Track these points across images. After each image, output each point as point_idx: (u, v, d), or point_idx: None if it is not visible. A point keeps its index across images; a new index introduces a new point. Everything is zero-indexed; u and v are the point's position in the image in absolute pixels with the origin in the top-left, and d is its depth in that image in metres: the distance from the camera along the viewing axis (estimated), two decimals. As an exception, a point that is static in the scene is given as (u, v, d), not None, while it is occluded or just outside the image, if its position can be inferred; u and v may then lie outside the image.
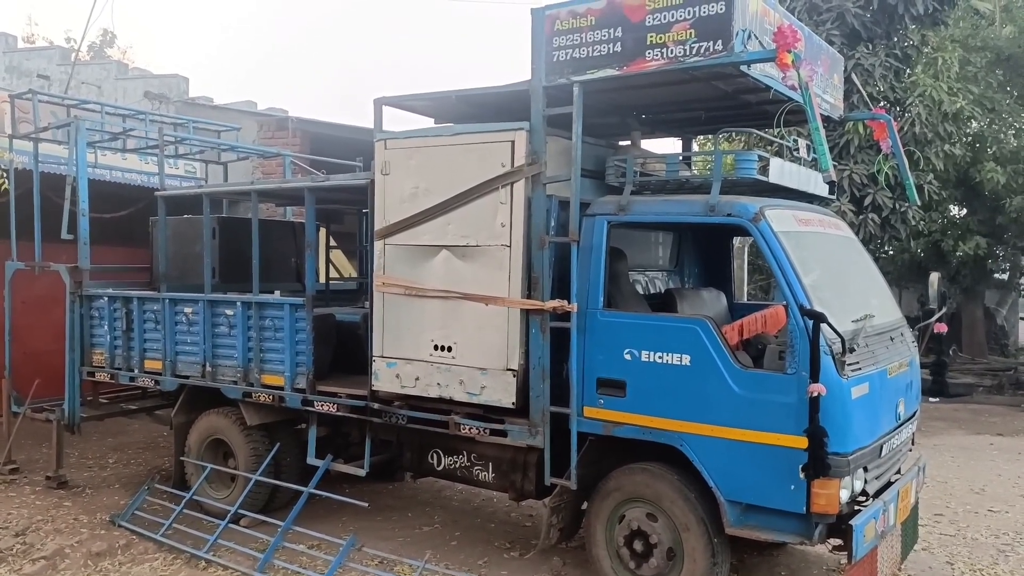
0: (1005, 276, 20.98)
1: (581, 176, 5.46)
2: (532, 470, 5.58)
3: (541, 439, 5.24)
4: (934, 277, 6.24)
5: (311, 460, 6.40)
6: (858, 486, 4.66)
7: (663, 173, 5.35)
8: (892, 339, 5.29)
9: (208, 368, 6.88)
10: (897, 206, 13.21)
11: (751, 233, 4.73)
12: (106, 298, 7.60)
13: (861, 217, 13.10)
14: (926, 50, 13.27)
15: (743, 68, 4.71)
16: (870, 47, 12.86)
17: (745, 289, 13.47)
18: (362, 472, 6.18)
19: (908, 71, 13.24)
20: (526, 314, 5.25)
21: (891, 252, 17.38)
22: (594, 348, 5.09)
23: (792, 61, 4.42)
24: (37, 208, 7.92)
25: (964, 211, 17.94)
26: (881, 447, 4.84)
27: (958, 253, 16.29)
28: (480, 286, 5.40)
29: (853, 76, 6.81)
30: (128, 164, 9.39)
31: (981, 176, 15.38)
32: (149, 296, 7.32)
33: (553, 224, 5.28)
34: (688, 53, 4.72)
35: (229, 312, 6.73)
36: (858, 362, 4.60)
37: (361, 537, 6.23)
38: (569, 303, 5.08)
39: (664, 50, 4.79)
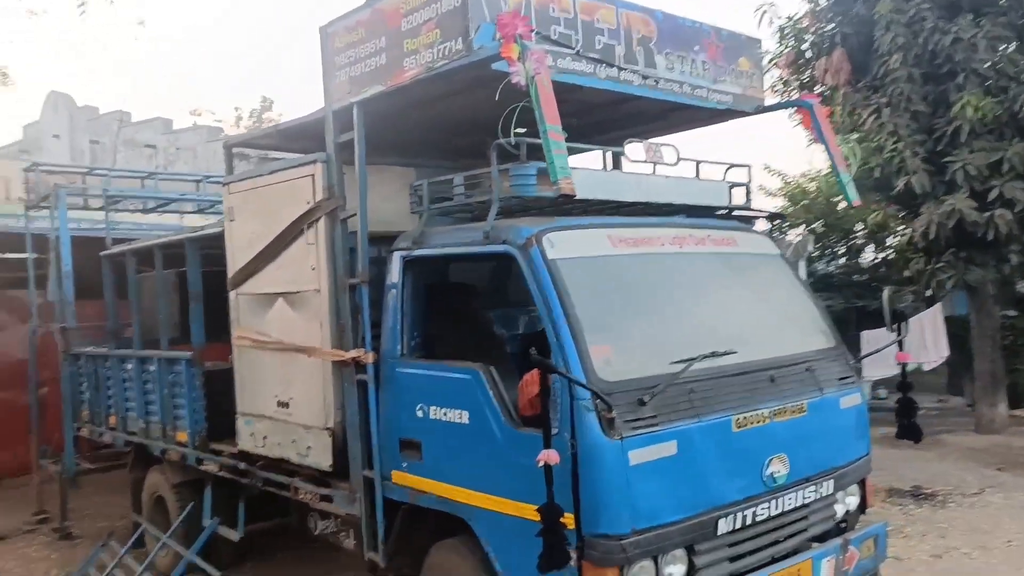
0: None
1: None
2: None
3: (359, 506, 4.64)
4: (886, 293, 4.95)
5: (205, 521, 6.13)
6: (675, 572, 3.66)
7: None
8: (773, 379, 4.17)
9: (142, 425, 6.87)
10: (1036, 198, 10.94)
11: (518, 263, 3.89)
12: (84, 357, 7.86)
13: (987, 215, 10.97)
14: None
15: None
16: (969, 19, 10.87)
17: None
18: (235, 536, 5.84)
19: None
20: (339, 366, 4.70)
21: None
22: (393, 403, 4.45)
23: (518, 54, 3.61)
24: (31, 269, 8.39)
25: None
26: (717, 521, 3.77)
27: None
28: (303, 336, 4.93)
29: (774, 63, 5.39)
30: (152, 220, 9.71)
31: None
32: (103, 354, 7.48)
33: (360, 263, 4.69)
34: (436, 57, 4.03)
35: (151, 368, 6.68)
36: (655, 416, 3.63)
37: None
38: (366, 352, 4.48)
39: (417, 56, 4.13)
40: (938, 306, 12.33)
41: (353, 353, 4.53)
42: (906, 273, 12.98)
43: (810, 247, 8.70)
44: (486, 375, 3.93)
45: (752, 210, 5.27)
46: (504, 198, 4.07)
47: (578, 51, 4.28)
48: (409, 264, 4.47)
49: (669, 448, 3.64)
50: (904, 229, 12.39)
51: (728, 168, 5.12)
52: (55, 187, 8.10)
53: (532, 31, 3.76)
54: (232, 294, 5.52)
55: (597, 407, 3.49)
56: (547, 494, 3.36)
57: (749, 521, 3.91)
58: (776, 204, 18.53)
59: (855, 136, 12.48)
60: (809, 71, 12.41)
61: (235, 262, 5.46)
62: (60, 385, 8.23)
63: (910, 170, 11.17)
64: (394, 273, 4.51)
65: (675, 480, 3.67)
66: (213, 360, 6.20)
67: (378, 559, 4.52)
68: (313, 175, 4.75)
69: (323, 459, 4.77)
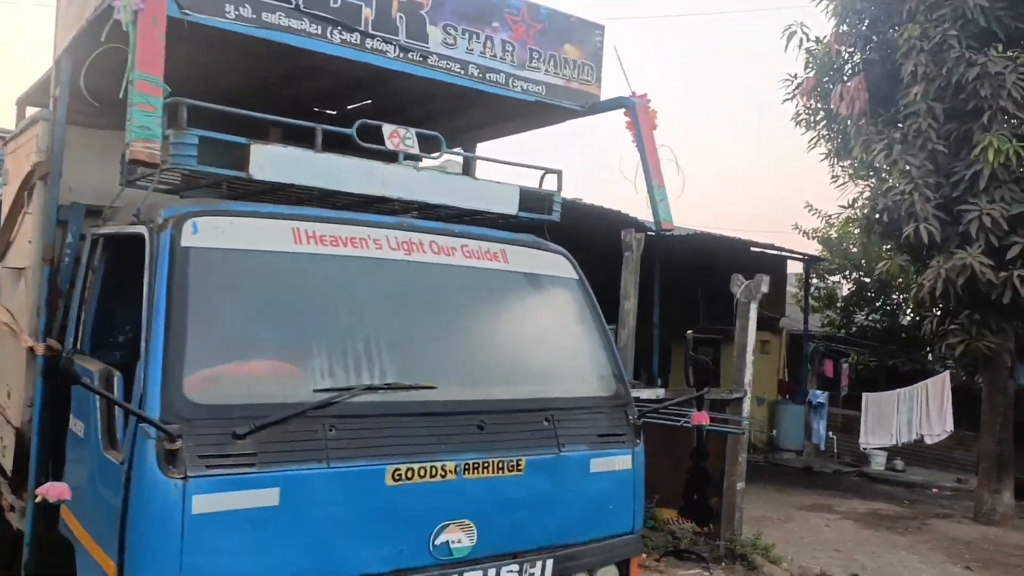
0: None
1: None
2: None
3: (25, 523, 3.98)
4: (689, 335, 4.02)
5: None
6: None
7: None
8: (482, 426, 3.32)
9: None
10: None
11: (146, 248, 3.17)
12: None
13: (1003, 275, 9.56)
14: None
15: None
16: (999, 49, 9.53)
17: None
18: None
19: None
20: (31, 357, 4.07)
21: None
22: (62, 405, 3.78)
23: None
24: None
25: None
26: None
27: None
28: (23, 318, 4.33)
29: (616, 53, 4.42)
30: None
31: None
32: None
33: (71, 239, 4.06)
34: (101, -5, 3.36)
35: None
36: (254, 454, 2.84)
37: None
38: (37, 341, 3.84)
39: (93, -5, 3.48)
40: (945, 374, 10.93)
41: (29, 342, 3.90)
42: (921, 334, 11.63)
43: (764, 288, 7.61)
44: (102, 379, 3.22)
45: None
46: (170, 169, 3.36)
47: (297, 6, 3.56)
48: (96, 243, 3.81)
49: (266, 497, 2.84)
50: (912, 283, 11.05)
51: (544, 174, 4.30)
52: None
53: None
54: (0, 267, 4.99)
55: (159, 435, 2.74)
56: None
57: None
58: (813, 247, 17.25)
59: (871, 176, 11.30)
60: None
61: (2, 232, 4.92)
62: None
63: (920, 216, 9.89)
64: (82, 253, 3.86)
65: (274, 538, 2.87)
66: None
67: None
68: (37, 135, 4.15)
69: (7, 462, 4.16)
